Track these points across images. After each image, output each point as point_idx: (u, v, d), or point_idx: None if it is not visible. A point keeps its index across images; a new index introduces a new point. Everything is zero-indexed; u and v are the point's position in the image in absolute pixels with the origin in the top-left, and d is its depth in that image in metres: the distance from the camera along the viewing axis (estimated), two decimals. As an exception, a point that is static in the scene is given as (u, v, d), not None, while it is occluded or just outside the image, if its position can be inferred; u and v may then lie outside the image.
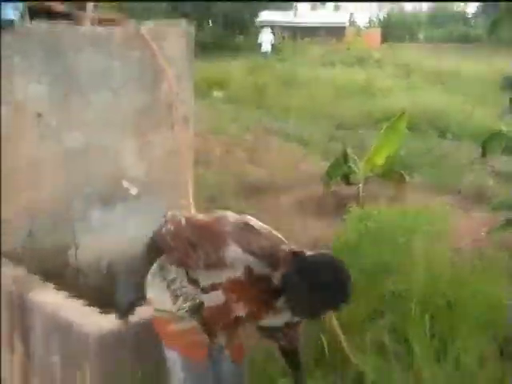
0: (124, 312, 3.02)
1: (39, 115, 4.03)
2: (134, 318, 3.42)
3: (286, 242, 2.75)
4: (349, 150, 7.28)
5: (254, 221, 2.79)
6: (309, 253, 2.67)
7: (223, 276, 2.71)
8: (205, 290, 2.81)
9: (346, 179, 7.28)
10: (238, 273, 2.67)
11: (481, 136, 5.81)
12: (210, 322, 2.93)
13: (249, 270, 2.66)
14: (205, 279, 2.79)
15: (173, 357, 2.99)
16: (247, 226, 2.73)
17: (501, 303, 4.13)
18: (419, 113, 10.70)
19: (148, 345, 3.54)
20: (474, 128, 9.71)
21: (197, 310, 2.89)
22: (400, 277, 4.32)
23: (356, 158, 7.27)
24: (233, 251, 2.64)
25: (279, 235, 2.79)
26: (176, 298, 2.93)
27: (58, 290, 3.77)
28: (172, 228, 2.81)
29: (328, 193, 7.23)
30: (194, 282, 2.85)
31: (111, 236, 4.42)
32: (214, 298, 2.80)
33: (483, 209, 7.01)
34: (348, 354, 3.78)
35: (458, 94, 14.00)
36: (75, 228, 4.27)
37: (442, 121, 10.97)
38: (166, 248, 2.84)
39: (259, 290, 2.73)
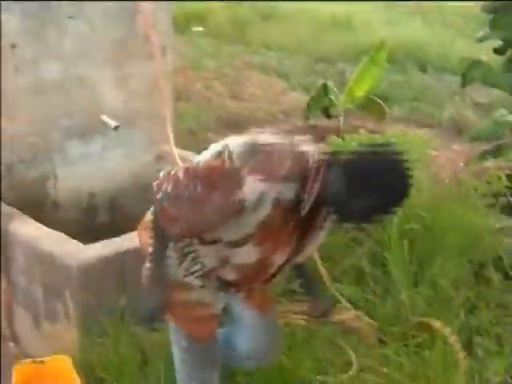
0: (149, 320, 2.61)
1: (13, 46, 3.96)
2: (117, 248, 3.47)
3: (311, 148, 2.27)
4: (329, 83, 7.23)
5: (264, 135, 2.28)
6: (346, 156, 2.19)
7: (250, 225, 2.21)
8: (232, 244, 2.31)
9: (327, 112, 7.24)
10: (266, 210, 2.16)
11: (461, 68, 5.79)
12: (240, 282, 2.51)
13: (277, 203, 2.15)
14: (229, 234, 2.27)
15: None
16: (258, 147, 2.20)
17: (477, 229, 4.20)
18: (399, 46, 10.59)
19: (132, 275, 3.59)
20: (455, 60, 9.64)
21: (208, 274, 2.45)
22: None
23: (336, 90, 7.22)
24: (251, 185, 2.11)
25: (299, 139, 2.30)
26: (184, 256, 2.44)
27: (38, 222, 3.79)
28: (169, 188, 2.26)
29: (309, 126, 7.21)
30: (210, 242, 2.34)
31: (91, 168, 4.42)
32: (244, 255, 2.33)
33: (463, 141, 7.06)
34: (326, 283, 3.81)
35: (439, 26, 13.89)
36: (54, 160, 4.26)
37: (423, 53, 10.88)
38: (167, 218, 2.30)
39: (295, 222, 2.28)
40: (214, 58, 10.95)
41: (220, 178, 2.18)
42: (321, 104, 7.11)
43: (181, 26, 12.25)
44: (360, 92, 7.04)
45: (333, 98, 7.04)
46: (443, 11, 16.12)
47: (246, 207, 2.13)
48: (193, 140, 6.56)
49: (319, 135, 6.63)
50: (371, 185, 2.12)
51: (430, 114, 8.05)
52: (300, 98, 8.26)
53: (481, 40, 4.69)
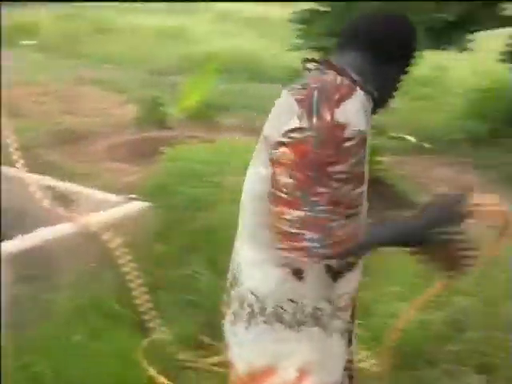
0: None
1: None
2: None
3: None
4: (162, 95, 7.26)
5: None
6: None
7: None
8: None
9: (161, 123, 7.26)
10: None
11: (290, 76, 5.97)
12: None
13: None
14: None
15: None
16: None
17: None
18: (233, 57, 10.81)
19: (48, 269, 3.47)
20: (284, 69, 9.92)
21: None
22: (214, 212, 4.40)
23: (169, 101, 7.26)
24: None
25: None
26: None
27: None
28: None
29: (143, 137, 7.19)
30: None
31: None
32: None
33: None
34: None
35: (270, 38, 14.25)
36: None
37: (256, 64, 11.15)
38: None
39: None
40: (48, 72, 10.68)
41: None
42: (154, 115, 7.13)
43: (11, 39, 11.87)
44: (192, 102, 7.12)
45: (166, 109, 7.08)
46: (272, 23, 16.57)
47: None
48: (25, 156, 6.34)
49: (154, 146, 6.71)
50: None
51: (262, 121, 8.21)
52: (135, 110, 8.20)
53: (293, 49, 4.85)
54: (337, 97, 1.76)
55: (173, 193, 4.52)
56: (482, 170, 6.58)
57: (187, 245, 4.15)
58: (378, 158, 5.83)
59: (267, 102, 8.01)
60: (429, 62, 7.70)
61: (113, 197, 4.48)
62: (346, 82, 1.81)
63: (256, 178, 1.91)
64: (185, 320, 3.59)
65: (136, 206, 4.22)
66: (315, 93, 1.78)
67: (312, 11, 3.60)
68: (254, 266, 1.91)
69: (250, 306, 1.90)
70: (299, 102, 1.79)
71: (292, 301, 1.85)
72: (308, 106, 1.76)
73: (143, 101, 8.16)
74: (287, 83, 2.03)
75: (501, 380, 3.34)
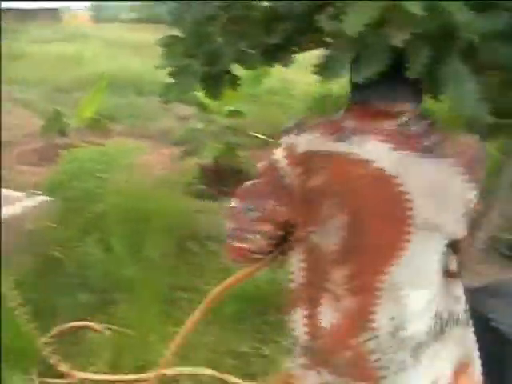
0: None
1: None
2: None
3: None
4: (63, 108, 6.99)
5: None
6: None
7: None
8: None
9: (62, 132, 6.97)
10: None
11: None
12: None
13: None
14: None
15: None
16: None
17: (179, 211, 4.31)
18: (121, 76, 10.56)
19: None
20: (159, 84, 9.76)
21: None
22: (102, 201, 4.30)
23: (69, 114, 7.01)
24: None
25: None
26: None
27: None
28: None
29: (47, 144, 6.89)
30: None
31: None
32: None
33: (170, 145, 7.16)
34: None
35: (151, 60, 14.01)
36: None
37: (139, 81, 10.93)
38: None
39: None
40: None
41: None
42: (56, 126, 6.85)
43: None
44: (88, 114, 6.90)
45: (66, 120, 6.83)
46: (153, 49, 16.28)
47: None
48: None
49: (56, 151, 6.45)
50: None
51: (145, 127, 8.11)
52: (39, 122, 7.84)
53: (159, 67, 4.76)
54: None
55: (69, 187, 4.38)
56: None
57: (82, 229, 4.03)
58: (240, 153, 5.89)
59: (147, 111, 7.88)
60: (277, 75, 7.86)
61: (21, 193, 4.34)
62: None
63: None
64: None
65: (39, 199, 4.12)
66: (475, 164, 1.45)
67: (172, 37, 3.54)
68: (419, 308, 1.47)
69: (410, 346, 1.46)
70: (469, 177, 1.43)
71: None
72: (475, 175, 1.46)
73: (47, 114, 7.83)
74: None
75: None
